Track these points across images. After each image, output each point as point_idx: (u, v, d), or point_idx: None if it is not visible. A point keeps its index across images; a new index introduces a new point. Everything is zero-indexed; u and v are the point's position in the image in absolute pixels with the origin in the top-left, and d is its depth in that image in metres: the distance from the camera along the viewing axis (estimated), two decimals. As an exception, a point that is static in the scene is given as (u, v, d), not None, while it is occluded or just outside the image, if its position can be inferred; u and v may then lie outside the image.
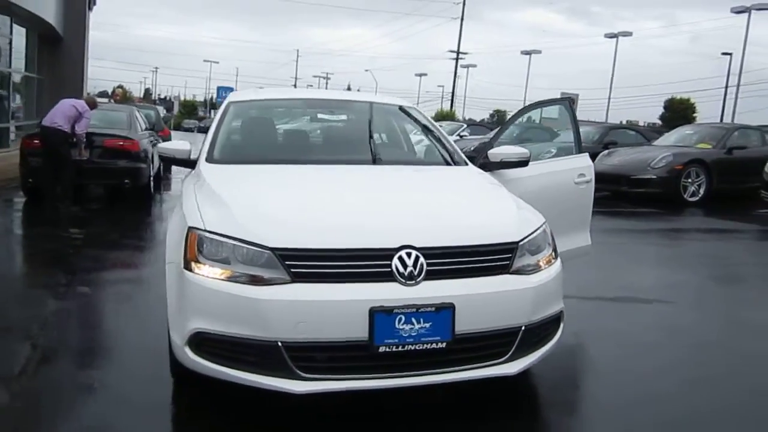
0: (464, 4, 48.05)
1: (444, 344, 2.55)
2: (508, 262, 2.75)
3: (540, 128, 4.53)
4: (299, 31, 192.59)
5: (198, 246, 2.65)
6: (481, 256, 2.70)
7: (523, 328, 2.72)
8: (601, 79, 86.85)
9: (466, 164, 3.84)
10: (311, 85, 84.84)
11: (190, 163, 3.71)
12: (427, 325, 2.52)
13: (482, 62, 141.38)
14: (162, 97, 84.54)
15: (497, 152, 3.97)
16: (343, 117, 4.29)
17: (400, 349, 2.50)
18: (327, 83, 79.55)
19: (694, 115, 37.32)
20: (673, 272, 5.86)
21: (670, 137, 12.92)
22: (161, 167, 10.86)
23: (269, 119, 4.21)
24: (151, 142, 10.65)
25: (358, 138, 3.97)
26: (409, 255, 2.56)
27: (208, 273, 2.59)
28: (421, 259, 2.56)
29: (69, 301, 4.54)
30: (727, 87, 36.88)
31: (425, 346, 2.53)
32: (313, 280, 2.50)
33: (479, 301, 2.62)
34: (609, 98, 38.85)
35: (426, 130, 4.25)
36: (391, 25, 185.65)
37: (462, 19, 48.00)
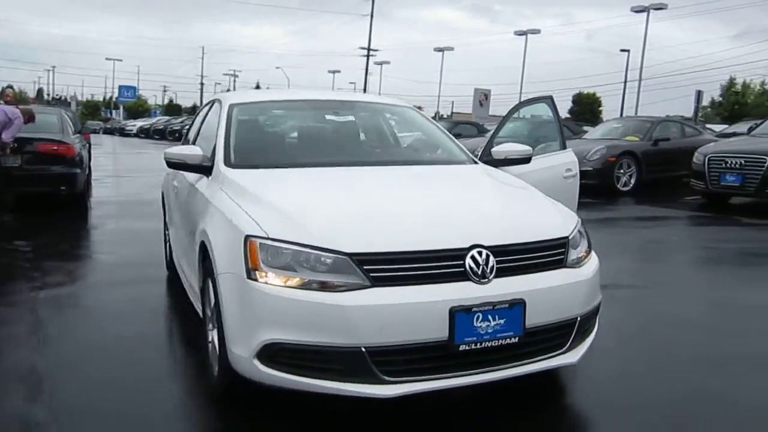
0: (373, 1, 48.48)
1: (516, 339, 2.60)
2: (563, 257, 2.83)
3: (549, 123, 4.77)
4: (204, 28, 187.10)
5: (261, 254, 2.56)
6: (541, 252, 2.77)
7: (578, 318, 2.82)
8: (511, 75, 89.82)
9: (476, 162, 3.91)
10: (219, 83, 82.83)
11: (204, 169, 3.55)
12: (502, 321, 2.56)
13: (395, 59, 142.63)
14: (57, 97, 79.48)
15: (501, 150, 4.07)
16: (350, 118, 4.25)
17: (478, 346, 2.53)
18: (235, 81, 77.81)
19: (600, 108, 39.64)
20: (625, 258, 6.18)
21: (597, 131, 13.61)
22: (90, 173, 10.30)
23: (281, 121, 4.11)
24: (84, 146, 10.05)
25: (376, 138, 3.94)
26: (480, 254, 2.58)
27: (277, 281, 2.51)
28: (491, 258, 2.60)
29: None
30: (626, 82, 39.33)
31: (500, 341, 2.57)
32: (392, 284, 2.48)
33: (545, 295, 2.68)
34: (521, 93, 40.31)
35: (431, 129, 4.27)
36: (299, 22, 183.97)
37: (372, 16, 48.40)
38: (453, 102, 63.84)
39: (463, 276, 2.54)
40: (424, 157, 3.92)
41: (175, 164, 3.61)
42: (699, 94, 32.68)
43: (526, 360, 2.68)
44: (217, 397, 2.95)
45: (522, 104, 5.23)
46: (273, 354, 2.51)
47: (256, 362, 2.54)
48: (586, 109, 37.84)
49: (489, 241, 2.63)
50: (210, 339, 3.09)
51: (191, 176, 3.74)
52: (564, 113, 40.55)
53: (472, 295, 2.51)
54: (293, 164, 3.51)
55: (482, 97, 34.05)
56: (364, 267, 2.47)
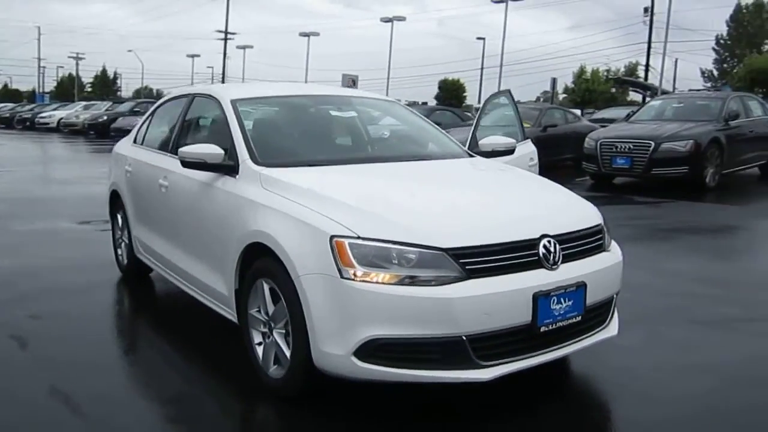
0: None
1: (579, 318, 2.88)
2: (602, 242, 3.16)
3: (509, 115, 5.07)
4: (38, 5, 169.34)
5: (352, 253, 2.62)
6: (590, 238, 3.07)
7: (615, 296, 3.18)
8: (376, 61, 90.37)
9: (472, 155, 4.14)
10: (62, 66, 76.09)
11: (225, 169, 3.46)
12: (570, 302, 2.82)
13: (258, 43, 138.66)
14: None
15: (488, 143, 4.33)
16: (352, 113, 4.28)
17: (553, 326, 2.77)
18: (78, 64, 71.97)
19: (465, 95, 41.69)
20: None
21: (488, 118, 14.38)
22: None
23: (288, 117, 4.06)
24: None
25: (399, 135, 4.05)
26: (549, 242, 2.83)
27: (373, 279, 2.59)
28: (557, 245, 2.85)
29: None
30: (482, 68, 41.65)
31: (568, 321, 2.83)
32: (483, 275, 2.64)
33: (599, 276, 2.99)
34: (388, 78, 41.27)
35: (427, 124, 4.44)
36: (146, 1, 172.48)
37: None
38: (318, 87, 63.59)
39: (537, 264, 2.77)
40: (433, 152, 4.06)
41: (192, 164, 3.49)
42: (554, 81, 35.44)
43: (583, 336, 2.97)
44: (285, 397, 2.96)
45: (489, 99, 5.53)
46: (373, 350, 2.59)
47: (354, 359, 2.60)
48: (452, 94, 39.61)
49: (553, 231, 2.87)
50: (264, 340, 3.08)
51: (202, 176, 3.62)
52: (431, 100, 42.12)
53: (547, 280, 2.75)
54: (325, 162, 3.52)
55: (350, 83, 34.36)
56: (460, 261, 2.62)
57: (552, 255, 2.81)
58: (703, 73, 75.74)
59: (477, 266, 2.64)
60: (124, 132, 24.37)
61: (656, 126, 10.54)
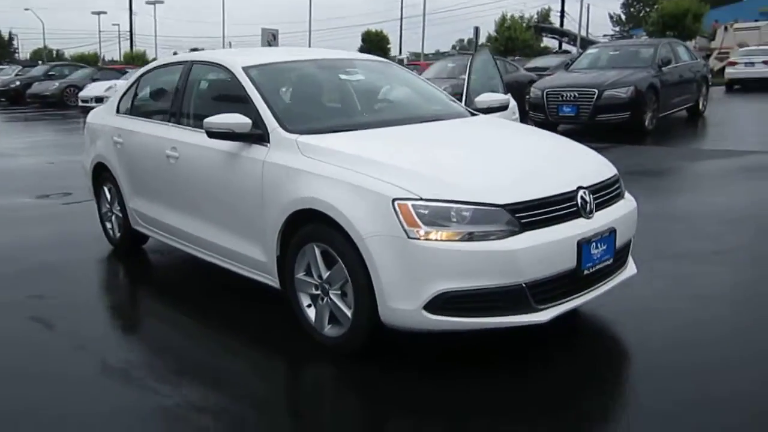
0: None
1: (611, 260, 3.16)
2: (621, 190, 3.44)
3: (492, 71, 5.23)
4: None
5: (416, 214, 2.77)
6: (612, 187, 3.33)
7: (631, 239, 3.49)
8: (297, 13, 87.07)
9: (475, 114, 4.31)
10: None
11: (253, 138, 3.48)
12: (604, 247, 3.10)
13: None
14: None
15: (483, 100, 4.49)
16: (360, 77, 4.33)
17: (592, 269, 3.04)
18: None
19: (389, 46, 41.42)
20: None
21: (430, 71, 14.57)
22: None
23: (304, 82, 4.07)
24: None
25: (408, 96, 4.14)
26: (585, 194, 3.07)
27: (439, 237, 2.76)
28: (591, 195, 3.10)
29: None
30: (402, 19, 41.55)
31: (603, 263, 3.11)
32: (535, 227, 2.85)
33: (624, 222, 3.27)
34: (310, 31, 40.46)
35: (426, 84, 4.56)
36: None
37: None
38: (230, 43, 61.37)
39: (576, 214, 3.01)
40: (443, 111, 4.18)
41: (219, 134, 3.49)
42: (477, 30, 35.79)
43: (611, 277, 3.27)
44: (345, 353, 3.12)
45: (474, 56, 5.68)
46: (442, 303, 2.77)
47: (424, 312, 2.79)
48: (376, 46, 39.29)
49: (586, 182, 3.11)
50: (316, 302, 3.21)
51: (225, 146, 3.61)
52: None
53: (587, 228, 3.00)
54: (355, 126, 3.61)
55: (270, 37, 33.45)
56: (516, 215, 2.82)
57: (588, 204, 3.05)
58: (611, 17, 78.60)
59: (528, 220, 2.85)
60: (42, 98, 22.97)
61: (597, 74, 11.03)
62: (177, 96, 4.32)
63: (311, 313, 3.28)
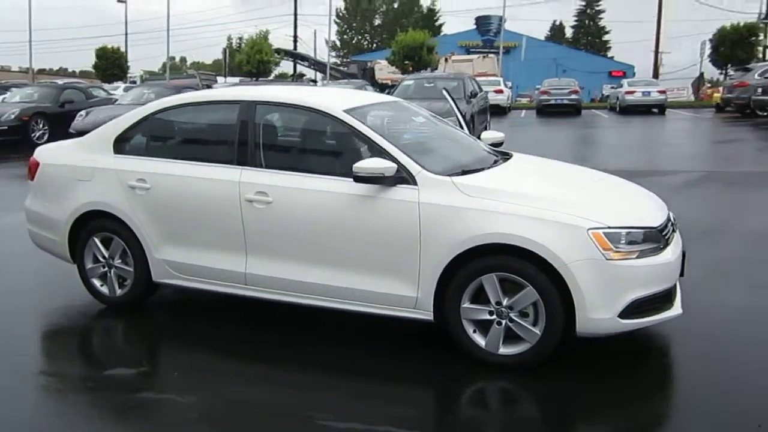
0: None
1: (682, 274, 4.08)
2: None
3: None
4: None
5: (607, 240, 3.37)
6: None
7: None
8: (16, 21, 73.35)
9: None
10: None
11: (396, 180, 3.67)
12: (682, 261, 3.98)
13: None
14: None
15: (488, 137, 5.12)
16: (423, 119, 4.65)
17: (680, 277, 3.91)
18: None
19: (128, 64, 38.34)
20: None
21: (128, 96, 15.17)
22: None
23: (401, 126, 4.24)
24: None
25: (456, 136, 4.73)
26: (670, 223, 3.93)
27: (626, 256, 3.40)
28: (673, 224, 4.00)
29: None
30: (127, 34, 38.94)
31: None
32: (668, 245, 3.64)
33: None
34: (30, 42, 35.81)
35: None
36: None
37: None
38: None
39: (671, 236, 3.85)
40: (490, 150, 4.70)
41: (369, 178, 3.61)
42: (225, 52, 35.98)
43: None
44: (537, 365, 3.54)
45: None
46: (632, 309, 3.40)
47: (618, 319, 3.39)
48: (113, 64, 36.11)
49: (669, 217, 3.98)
50: (489, 327, 3.56)
51: (356, 189, 3.71)
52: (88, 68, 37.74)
53: (680, 247, 3.86)
54: (475, 166, 4.01)
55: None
56: (662, 234, 3.59)
57: (673, 228, 3.95)
58: (326, 42, 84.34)
59: (665, 238, 3.65)
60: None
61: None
62: (242, 138, 4.13)
63: (479, 337, 3.61)
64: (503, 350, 3.57)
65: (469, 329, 3.62)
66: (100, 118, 13.62)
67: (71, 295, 4.79)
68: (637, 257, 3.44)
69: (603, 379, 3.55)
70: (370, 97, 4.75)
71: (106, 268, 4.57)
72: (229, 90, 5.06)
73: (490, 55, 38.75)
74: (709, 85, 33.28)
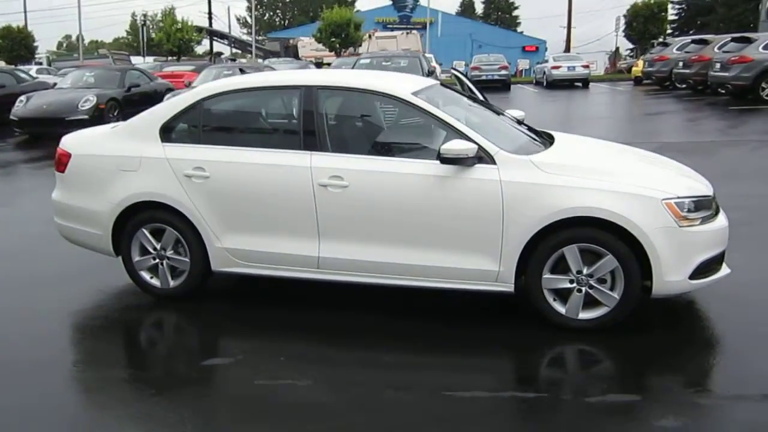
0: None
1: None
2: None
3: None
4: None
5: (678, 209, 3.71)
6: None
7: None
8: None
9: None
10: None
11: (476, 160, 3.84)
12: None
13: None
14: None
15: (514, 114, 5.36)
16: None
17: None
18: None
19: (36, 44, 35.58)
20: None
21: (68, 79, 14.59)
22: None
23: (458, 105, 4.42)
24: None
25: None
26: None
27: (693, 222, 3.75)
28: None
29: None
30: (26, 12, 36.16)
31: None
32: (718, 212, 4.05)
33: None
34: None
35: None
36: None
37: None
38: None
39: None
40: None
41: (454, 159, 3.77)
42: (143, 29, 34.29)
43: None
44: (614, 325, 3.84)
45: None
46: (698, 270, 3.78)
47: (689, 280, 3.76)
48: (20, 44, 33.53)
49: None
50: (569, 294, 3.84)
51: (435, 169, 3.87)
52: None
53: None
54: (539, 145, 4.27)
55: None
56: (713, 202, 3.97)
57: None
58: (238, 19, 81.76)
59: (717, 205, 4.05)
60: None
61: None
62: (308, 123, 4.16)
63: (558, 305, 3.88)
64: (583, 315, 3.86)
65: (549, 298, 3.88)
66: (44, 104, 12.87)
67: (121, 289, 4.70)
68: (700, 223, 3.80)
69: (662, 334, 3.93)
70: (416, 79, 4.85)
71: (157, 260, 4.49)
72: (283, 75, 5.03)
73: (414, 32, 39.16)
74: (626, 58, 35.20)
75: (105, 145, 4.61)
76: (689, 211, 3.77)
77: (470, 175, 3.87)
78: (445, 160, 3.79)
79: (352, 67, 13.87)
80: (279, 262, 4.26)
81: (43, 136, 12.54)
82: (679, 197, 3.76)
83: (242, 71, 13.03)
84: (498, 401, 3.22)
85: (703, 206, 3.87)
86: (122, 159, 4.47)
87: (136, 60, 34.72)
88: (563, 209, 3.75)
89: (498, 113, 4.87)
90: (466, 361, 3.69)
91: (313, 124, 4.16)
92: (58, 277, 5.09)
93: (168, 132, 4.44)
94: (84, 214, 4.59)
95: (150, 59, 33.70)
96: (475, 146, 3.82)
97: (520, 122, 5.09)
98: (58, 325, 4.28)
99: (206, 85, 4.59)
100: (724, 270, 4.01)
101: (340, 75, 4.73)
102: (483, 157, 3.87)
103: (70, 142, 4.78)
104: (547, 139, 4.51)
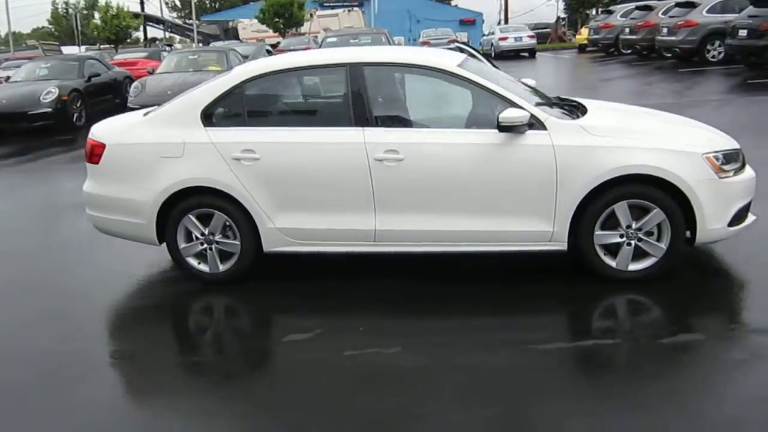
0: None
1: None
2: None
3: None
4: None
5: (716, 162, 4.01)
6: None
7: None
8: None
9: None
10: None
11: (527, 127, 4.02)
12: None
13: None
14: None
15: (530, 83, 5.57)
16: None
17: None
18: None
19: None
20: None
21: (21, 72, 13.88)
22: None
23: (493, 76, 4.57)
24: None
25: None
26: None
27: (728, 174, 4.06)
28: None
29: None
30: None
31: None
32: (745, 164, 4.36)
33: None
34: None
35: None
36: None
37: None
38: None
39: None
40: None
41: (510, 127, 3.95)
42: (76, 17, 32.77)
43: None
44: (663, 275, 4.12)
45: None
46: (736, 217, 4.10)
47: (727, 227, 4.07)
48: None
49: None
50: (619, 248, 4.10)
51: (485, 137, 4.05)
52: None
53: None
54: (577, 111, 4.48)
55: None
56: (741, 154, 4.30)
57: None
58: (167, 3, 78.96)
59: (744, 158, 4.37)
60: None
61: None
62: (357, 99, 4.23)
63: (608, 259, 4.14)
64: (632, 267, 4.13)
65: (600, 253, 4.14)
66: (2, 99, 12.21)
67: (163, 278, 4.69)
68: (734, 174, 4.12)
69: (700, 281, 4.27)
70: (451, 53, 4.98)
71: (204, 246, 4.50)
72: (324, 53, 5.02)
73: (355, 9, 38.89)
74: (563, 26, 36.04)
75: (142, 134, 4.56)
76: (724, 163, 4.07)
77: (523, 141, 4.05)
78: (503, 128, 3.96)
79: (319, 47, 13.81)
80: (334, 237, 4.35)
81: (3, 132, 11.99)
82: (715, 151, 4.06)
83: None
84: (583, 349, 3.46)
85: (734, 158, 4.18)
86: (164, 146, 4.42)
87: (69, 50, 33.24)
88: (615, 168, 3.98)
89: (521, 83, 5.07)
90: (535, 317, 3.91)
91: (363, 101, 4.23)
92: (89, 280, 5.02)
93: (209, 117, 4.43)
94: (123, 204, 4.54)
95: (83, 48, 32.38)
96: (528, 113, 4.01)
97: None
98: (130, 319, 4.32)
99: (245, 67, 4.59)
100: (752, 217, 4.36)
101: (383, 52, 4.82)
102: (534, 123, 4.06)
103: (101, 132, 4.69)
104: (577, 105, 4.73)
